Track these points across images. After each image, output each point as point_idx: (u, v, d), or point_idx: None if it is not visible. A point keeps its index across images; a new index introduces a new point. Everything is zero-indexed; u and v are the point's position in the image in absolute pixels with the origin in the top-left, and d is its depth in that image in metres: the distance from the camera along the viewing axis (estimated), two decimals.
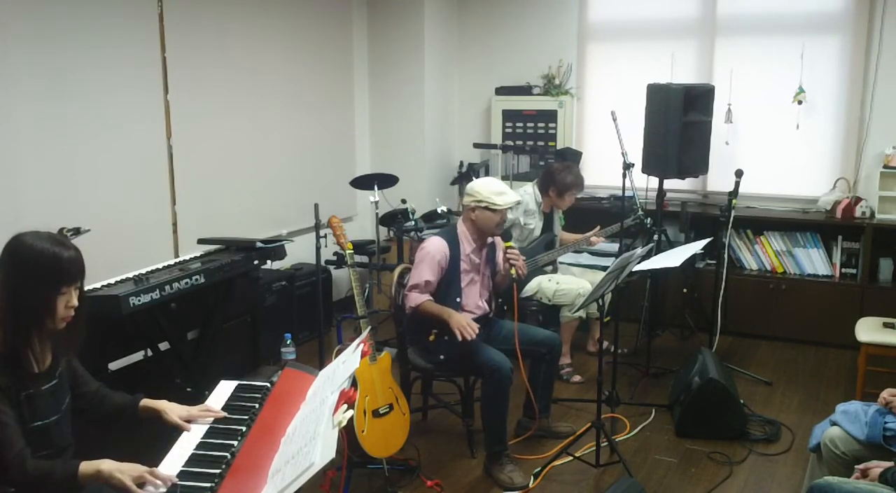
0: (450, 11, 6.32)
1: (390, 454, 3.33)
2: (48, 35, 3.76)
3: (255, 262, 3.71)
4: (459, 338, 3.35)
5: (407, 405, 3.48)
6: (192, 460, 2.15)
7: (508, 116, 6.06)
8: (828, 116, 5.34)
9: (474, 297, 3.68)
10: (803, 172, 5.45)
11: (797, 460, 3.63)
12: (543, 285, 4.55)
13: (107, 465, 2.02)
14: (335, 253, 5.13)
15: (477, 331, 3.38)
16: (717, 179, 5.51)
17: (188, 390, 3.44)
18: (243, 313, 4.37)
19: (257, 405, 2.42)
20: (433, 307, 3.49)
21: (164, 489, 2.00)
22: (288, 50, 5.34)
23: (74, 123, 3.92)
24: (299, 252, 5.06)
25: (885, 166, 5.05)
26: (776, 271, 5.40)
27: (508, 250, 3.52)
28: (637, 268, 3.85)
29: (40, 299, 2.06)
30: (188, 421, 2.34)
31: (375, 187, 5.05)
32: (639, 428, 3.99)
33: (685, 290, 5.16)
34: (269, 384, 2.53)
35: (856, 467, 2.53)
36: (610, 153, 4.97)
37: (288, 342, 3.77)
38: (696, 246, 4.15)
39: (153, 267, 3.40)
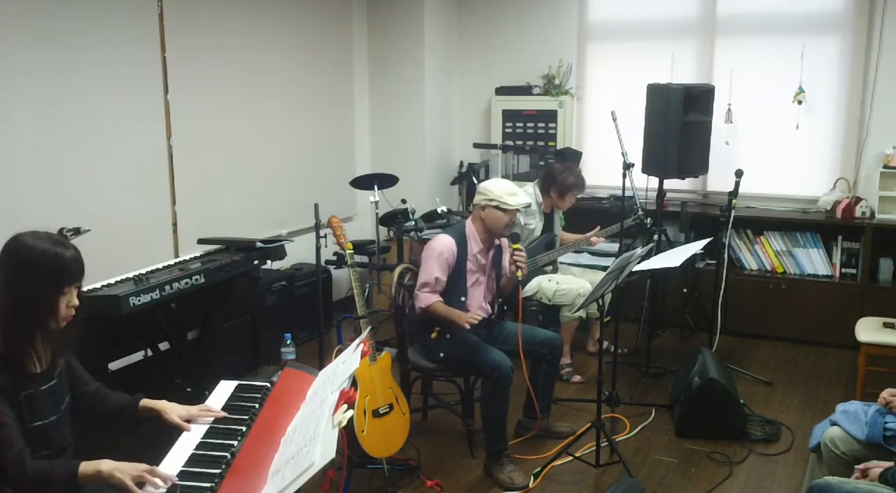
0: (450, 11, 6.32)
1: (390, 454, 3.33)
2: (48, 35, 3.76)
3: (255, 262, 3.71)
4: (468, 327, 3.37)
5: (407, 405, 3.48)
6: (192, 460, 2.15)
7: (508, 116, 6.06)
8: (828, 116, 5.34)
9: (478, 298, 3.68)
10: (803, 172, 5.45)
11: (797, 460, 3.63)
12: (543, 285, 4.55)
13: (106, 465, 2.02)
14: (335, 253, 5.13)
15: (477, 320, 3.39)
16: (717, 179, 5.51)
17: (188, 390, 3.44)
18: (243, 313, 4.37)
19: (257, 405, 2.42)
20: (442, 309, 3.49)
21: (165, 489, 2.00)
22: (288, 50, 5.34)
23: (74, 123, 3.92)
24: (299, 252, 5.06)
25: (885, 166, 5.05)
26: (776, 271, 5.40)
27: (516, 253, 3.52)
28: (637, 268, 3.85)
29: (43, 299, 2.06)
30: (188, 421, 2.34)
31: (375, 187, 5.05)
32: (639, 428, 3.99)
33: (685, 290, 5.16)
34: (269, 384, 2.53)
35: (856, 467, 2.53)
36: (610, 153, 4.97)
37: (288, 342, 3.77)
38: (696, 246, 4.15)
39: (153, 267, 3.40)
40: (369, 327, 3.41)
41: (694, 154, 4.93)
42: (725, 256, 4.81)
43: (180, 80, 4.47)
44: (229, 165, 4.91)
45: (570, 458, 3.62)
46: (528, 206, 3.66)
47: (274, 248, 3.83)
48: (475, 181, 5.68)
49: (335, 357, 2.79)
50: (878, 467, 2.45)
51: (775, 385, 4.55)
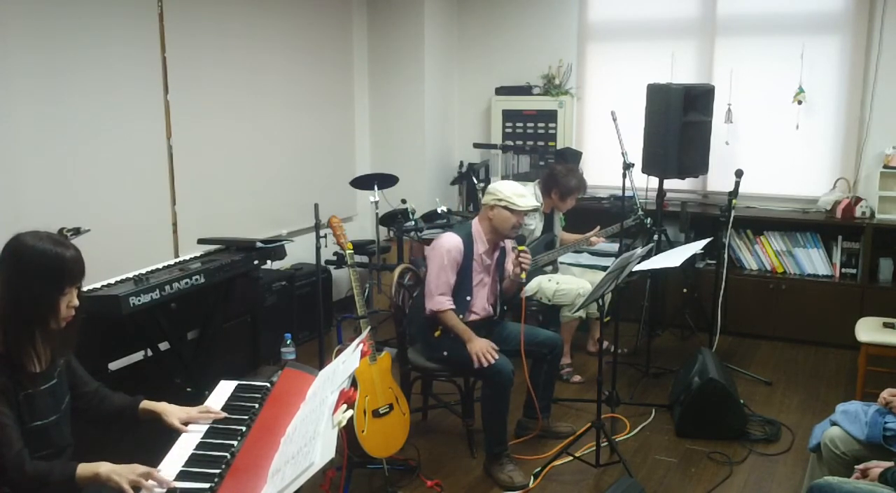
0: (450, 11, 6.32)
1: (390, 454, 3.33)
2: (48, 35, 3.76)
3: (255, 262, 3.71)
4: (476, 365, 3.38)
5: (407, 405, 3.48)
6: (192, 460, 2.15)
7: (508, 116, 6.06)
8: (828, 116, 5.34)
9: (482, 298, 3.68)
10: (803, 172, 5.45)
11: (797, 460, 3.63)
12: (543, 285, 4.55)
13: (104, 467, 2.02)
14: (335, 253, 5.13)
15: (496, 358, 3.39)
16: (717, 179, 5.51)
17: (188, 390, 3.44)
18: (243, 313, 4.37)
19: (257, 405, 2.42)
20: (454, 321, 3.49)
21: (163, 492, 2.00)
22: (288, 50, 5.34)
23: (74, 122, 3.92)
24: (299, 252, 5.06)
25: (885, 166, 5.05)
26: (776, 271, 5.40)
27: (521, 254, 3.51)
28: (637, 268, 3.85)
29: (43, 299, 2.06)
30: (188, 423, 2.34)
31: (375, 187, 5.05)
32: (639, 428, 3.99)
33: (685, 290, 5.16)
34: (269, 384, 2.53)
35: (856, 467, 2.53)
36: (610, 153, 4.97)
37: (288, 342, 3.77)
38: (696, 246, 4.15)
39: (153, 267, 3.39)
40: (369, 327, 3.41)
41: (694, 154, 4.93)
42: (725, 256, 4.81)
43: (180, 80, 4.47)
44: (229, 165, 4.91)
45: (570, 458, 3.62)
46: (537, 209, 3.66)
47: (274, 248, 3.83)
48: (475, 181, 5.68)
49: (335, 357, 2.79)
50: (878, 467, 2.45)
51: (775, 385, 4.55)
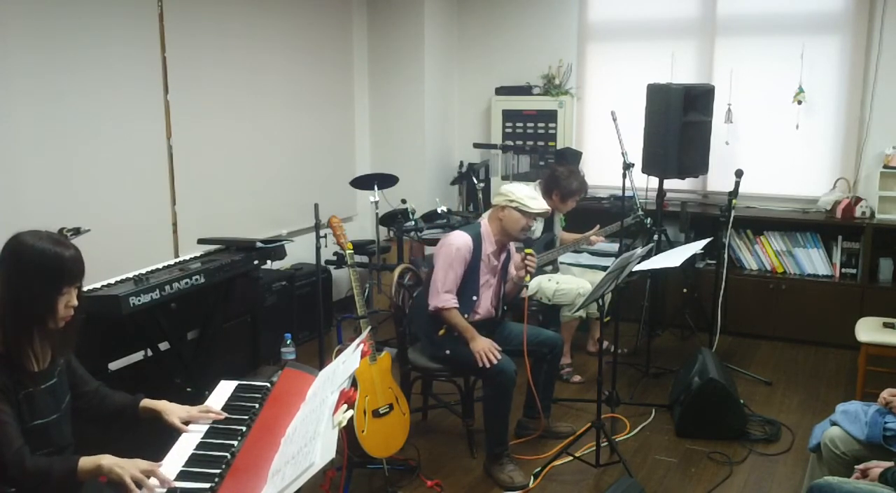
0: (450, 11, 6.32)
1: (390, 454, 3.33)
2: (48, 35, 3.76)
3: (255, 262, 3.71)
4: (480, 364, 3.38)
5: (407, 405, 3.48)
6: (192, 460, 2.15)
7: (508, 116, 6.06)
8: (828, 116, 5.34)
9: (486, 300, 3.68)
10: (803, 172, 5.45)
11: (797, 460, 3.63)
12: (543, 285, 4.55)
13: (107, 460, 2.02)
14: (335, 253, 5.13)
15: (498, 358, 3.40)
16: (717, 179, 5.51)
17: (188, 390, 3.44)
18: (243, 313, 4.37)
19: (257, 405, 2.42)
20: (458, 319, 3.49)
21: (163, 491, 2.00)
22: (288, 50, 5.34)
23: (74, 122, 3.92)
24: (299, 252, 5.06)
25: (885, 166, 5.05)
26: (776, 271, 5.40)
27: (528, 257, 3.51)
28: (637, 268, 3.85)
29: (41, 298, 2.06)
30: (188, 422, 2.33)
31: (375, 187, 5.05)
32: (639, 428, 3.99)
33: (685, 290, 5.16)
34: (269, 384, 2.53)
35: (856, 467, 2.53)
36: (610, 153, 4.97)
37: (288, 342, 3.77)
38: (696, 246, 4.15)
39: (153, 267, 3.40)
40: (369, 327, 3.40)
41: (694, 154, 4.93)
42: (725, 256, 4.81)
43: (180, 80, 4.47)
44: (229, 165, 4.91)
45: (570, 458, 3.62)
46: (547, 213, 3.67)
47: (274, 248, 3.83)
48: (475, 181, 5.68)
49: (335, 357, 2.79)
50: (878, 467, 2.45)
51: (775, 385, 4.55)
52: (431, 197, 5.81)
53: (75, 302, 2.11)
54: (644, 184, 5.24)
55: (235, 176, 4.97)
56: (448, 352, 3.56)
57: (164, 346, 3.54)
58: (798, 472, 3.49)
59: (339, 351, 3.00)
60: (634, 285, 5.14)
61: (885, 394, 2.76)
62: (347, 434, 3.06)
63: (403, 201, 5.16)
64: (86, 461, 2.03)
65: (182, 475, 2.07)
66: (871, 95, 5.18)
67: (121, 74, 4.13)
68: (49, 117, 3.80)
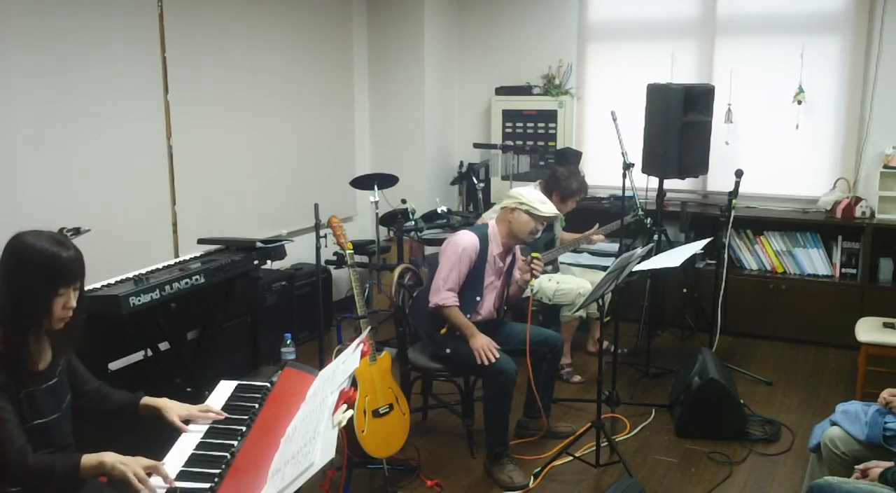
0: (450, 11, 6.32)
1: (390, 454, 3.33)
2: (48, 35, 3.76)
3: (255, 262, 3.71)
4: (479, 361, 3.38)
5: (407, 405, 3.48)
6: (192, 460, 2.15)
7: (508, 116, 6.06)
8: (828, 116, 5.34)
9: (489, 301, 3.68)
10: (803, 172, 5.45)
11: (797, 460, 3.63)
12: (543, 284, 4.55)
13: (110, 457, 2.02)
14: (335, 253, 5.13)
15: (497, 356, 3.40)
16: (717, 179, 5.51)
17: (188, 390, 3.44)
18: (243, 313, 4.37)
19: (257, 405, 2.42)
20: (458, 318, 3.49)
21: (164, 489, 2.00)
22: (288, 50, 5.34)
23: (74, 123, 3.92)
24: (299, 252, 5.06)
25: (885, 166, 5.05)
26: (776, 271, 5.40)
27: (535, 261, 3.51)
28: (637, 268, 3.85)
29: (37, 298, 2.04)
30: (188, 421, 2.33)
31: (375, 187, 5.05)
32: (639, 428, 3.99)
33: (685, 290, 5.16)
34: (269, 384, 2.53)
35: (856, 467, 2.53)
36: (610, 153, 4.97)
37: (288, 342, 3.77)
38: (696, 246, 4.15)
39: (153, 267, 3.40)
40: (369, 327, 3.41)
41: (694, 154, 4.93)
42: (725, 256, 4.81)
43: (180, 80, 4.47)
44: (229, 165, 4.91)
45: (570, 458, 3.62)
46: (558, 217, 3.67)
47: (274, 248, 3.83)
48: (475, 181, 5.68)
49: (335, 357, 2.80)
50: (878, 467, 2.45)
51: (775, 385, 4.55)
52: (431, 197, 5.81)
53: (73, 304, 2.10)
54: (644, 184, 5.24)
55: (235, 176, 4.97)
56: (448, 351, 3.56)
57: (164, 346, 3.54)
58: (798, 472, 3.49)
59: (339, 351, 3.00)
60: (634, 285, 5.14)
61: (885, 394, 2.76)
62: (347, 434, 3.06)
63: (403, 201, 5.16)
64: (88, 459, 2.03)
65: (182, 475, 2.06)
66: (871, 95, 5.18)
67: (121, 74, 4.13)
68: (49, 117, 3.80)
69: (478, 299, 3.61)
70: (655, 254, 4.42)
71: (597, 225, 4.71)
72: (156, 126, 4.38)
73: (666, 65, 5.65)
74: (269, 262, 3.84)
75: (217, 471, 2.06)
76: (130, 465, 2.00)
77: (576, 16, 5.95)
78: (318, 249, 4.16)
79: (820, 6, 5.25)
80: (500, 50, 6.24)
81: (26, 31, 3.67)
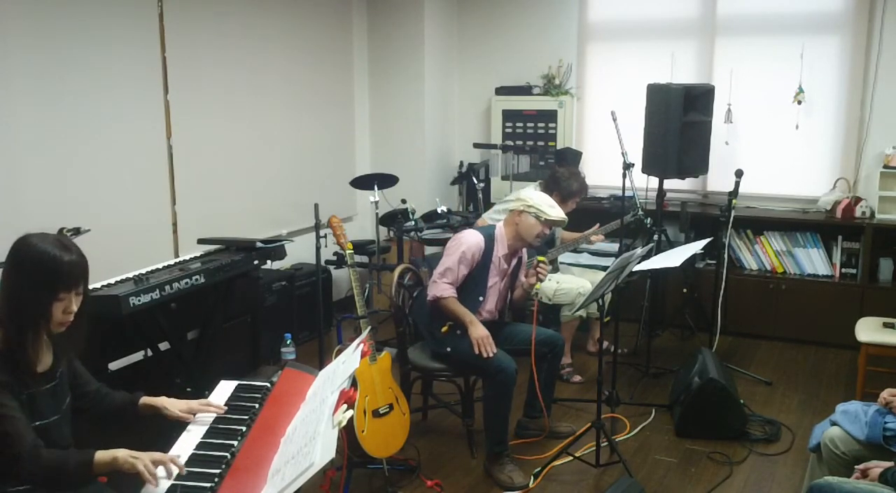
0: (450, 11, 6.32)
1: (390, 454, 3.33)
2: (48, 35, 3.76)
3: (255, 262, 3.71)
4: (476, 352, 3.38)
5: (407, 405, 3.48)
6: (192, 460, 2.15)
7: (508, 116, 6.06)
8: (828, 116, 5.34)
9: (492, 302, 3.68)
10: (803, 172, 5.45)
11: (797, 460, 3.63)
12: (544, 284, 4.53)
13: (122, 452, 2.03)
14: (335, 253, 5.13)
15: (494, 352, 3.40)
16: (717, 179, 5.51)
17: (188, 390, 3.44)
18: (243, 313, 4.37)
19: (257, 405, 2.42)
20: (456, 306, 3.49)
21: (170, 481, 2.01)
22: (288, 50, 5.34)
23: (74, 122, 3.92)
24: (299, 252, 5.06)
25: (885, 166, 5.05)
26: (776, 271, 5.40)
27: (540, 265, 3.52)
28: (637, 268, 3.85)
29: (36, 301, 2.03)
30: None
31: (375, 187, 5.05)
32: (639, 428, 3.99)
33: (685, 290, 5.16)
34: (269, 384, 2.53)
35: (856, 467, 2.53)
36: (610, 153, 4.97)
37: (288, 342, 3.78)
38: (696, 246, 4.15)
39: (153, 267, 3.40)
40: (369, 327, 3.41)
41: (694, 154, 4.93)
42: (725, 256, 4.81)
43: (180, 80, 4.47)
44: (229, 165, 4.91)
45: (570, 458, 3.62)
46: (565, 222, 3.68)
47: (274, 248, 3.83)
48: (475, 181, 5.68)
49: (335, 357, 2.80)
50: (878, 467, 2.45)
51: (775, 385, 4.55)
52: (431, 197, 5.81)
53: (74, 308, 2.08)
54: (644, 184, 5.24)
55: (235, 176, 4.97)
56: (449, 349, 3.56)
57: (164, 346, 3.54)
58: (798, 472, 3.49)
59: (339, 351, 3.00)
60: (634, 285, 5.13)
61: (885, 394, 2.76)
62: (347, 434, 3.06)
63: (403, 201, 5.16)
64: (101, 455, 2.03)
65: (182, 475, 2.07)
66: (871, 95, 5.18)
67: (121, 74, 4.13)
68: (49, 117, 3.80)
69: (480, 299, 3.61)
70: (655, 254, 4.42)
71: (597, 225, 4.71)
72: (156, 126, 4.38)
73: (666, 65, 5.65)
74: (269, 262, 3.84)
75: (217, 471, 2.06)
76: (142, 458, 2.01)
77: (576, 16, 5.95)
78: (318, 249, 4.16)
79: (820, 6, 5.25)
80: (500, 50, 6.23)
81: (26, 31, 3.67)
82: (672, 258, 3.97)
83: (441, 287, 3.51)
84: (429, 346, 3.68)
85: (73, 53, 3.88)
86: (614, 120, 4.38)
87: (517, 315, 4.22)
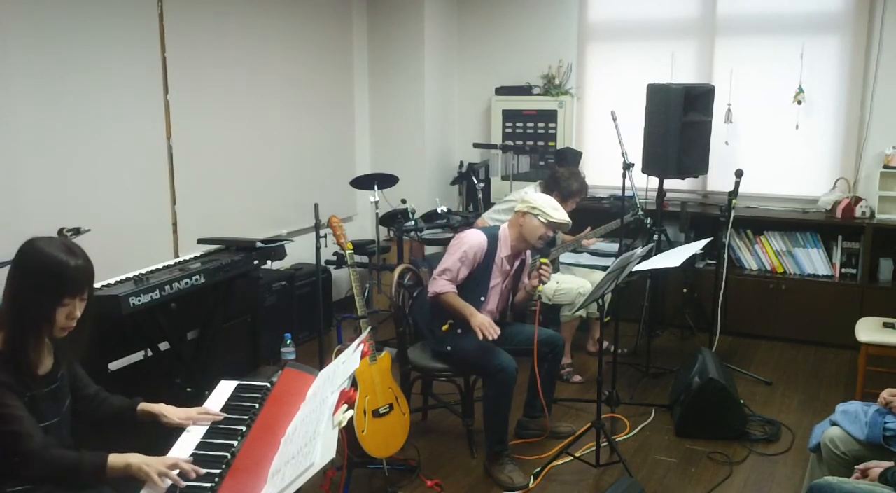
0: (450, 11, 6.32)
1: (390, 454, 3.33)
2: (48, 35, 3.76)
3: (255, 262, 3.71)
4: (480, 337, 3.35)
5: (407, 405, 3.48)
6: (193, 459, 2.14)
7: (508, 116, 6.06)
8: (828, 116, 5.34)
9: (493, 302, 3.68)
10: (803, 172, 5.45)
11: (797, 460, 3.63)
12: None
13: (136, 458, 2.03)
14: (335, 253, 5.13)
15: (498, 333, 3.38)
16: (717, 179, 5.51)
17: (188, 390, 3.44)
18: (243, 313, 4.37)
19: (257, 405, 2.42)
20: (456, 301, 3.49)
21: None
22: (288, 50, 5.34)
23: (74, 122, 3.92)
24: (299, 252, 5.06)
25: (885, 166, 5.05)
26: (776, 271, 5.40)
27: (543, 267, 3.51)
28: (637, 268, 3.85)
29: (40, 305, 2.03)
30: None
31: (375, 187, 5.05)
32: (639, 428, 3.99)
33: (685, 290, 5.16)
34: (269, 384, 2.53)
35: (856, 467, 2.53)
36: (610, 153, 4.97)
37: (288, 342, 3.78)
38: (696, 246, 4.15)
39: (153, 267, 3.40)
40: (369, 327, 3.41)
41: (694, 154, 4.93)
42: (725, 256, 4.81)
43: (180, 80, 4.47)
44: (229, 165, 4.91)
45: (570, 458, 3.62)
46: (570, 225, 3.69)
47: (274, 248, 3.83)
48: (475, 181, 5.68)
49: (335, 357, 2.80)
50: (878, 467, 2.45)
51: (775, 385, 4.55)
52: (431, 197, 5.81)
53: (78, 314, 2.08)
54: (644, 184, 5.24)
55: (235, 176, 4.97)
56: (449, 348, 3.56)
57: (164, 346, 3.54)
58: (798, 472, 3.49)
59: (339, 351, 3.00)
60: (634, 285, 5.13)
61: (885, 394, 2.76)
62: (347, 434, 3.06)
63: (403, 201, 5.16)
64: (115, 458, 2.03)
65: (182, 475, 2.06)
66: (871, 95, 5.18)
67: (121, 74, 4.13)
68: (49, 117, 3.80)
69: (482, 299, 3.61)
70: (655, 254, 4.42)
71: (588, 228, 4.69)
72: (156, 126, 4.38)
73: (666, 65, 5.65)
74: (269, 262, 3.84)
75: (217, 471, 2.06)
76: (154, 465, 2.01)
77: (576, 16, 5.95)
78: (318, 249, 4.16)
79: (820, 6, 5.25)
80: (500, 50, 6.23)
81: (26, 31, 3.67)
82: (672, 258, 3.97)
83: (440, 284, 3.51)
84: (429, 345, 3.68)
85: (73, 53, 3.88)
86: (614, 120, 4.38)
87: (517, 317, 4.22)
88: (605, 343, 4.28)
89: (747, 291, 5.32)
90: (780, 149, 5.47)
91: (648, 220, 4.65)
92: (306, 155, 5.59)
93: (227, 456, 2.13)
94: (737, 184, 4.69)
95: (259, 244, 3.78)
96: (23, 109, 3.69)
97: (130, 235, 4.17)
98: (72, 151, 3.92)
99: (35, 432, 2.01)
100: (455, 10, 6.37)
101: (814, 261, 5.30)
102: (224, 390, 2.55)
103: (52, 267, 2.03)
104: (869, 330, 4.10)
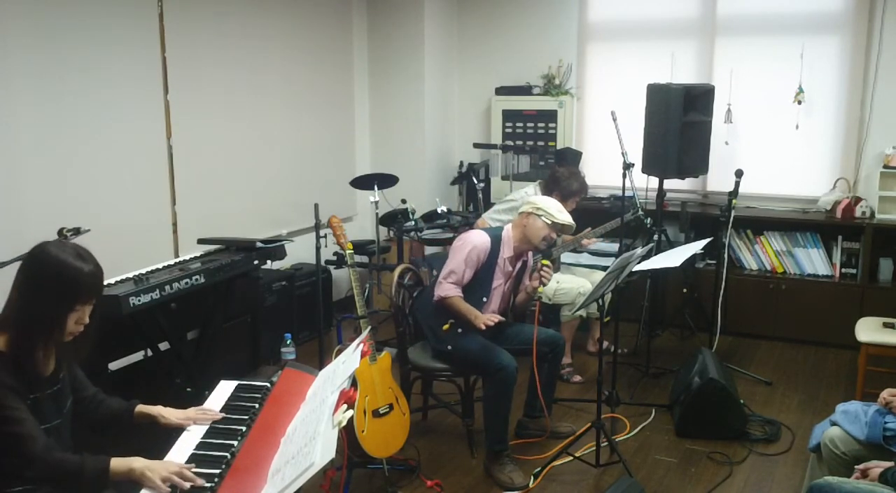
0: (450, 11, 6.32)
1: (390, 454, 3.33)
2: (48, 35, 3.76)
3: (255, 262, 3.71)
4: (483, 327, 3.41)
5: (407, 405, 3.48)
6: (193, 460, 2.15)
7: (508, 116, 6.06)
8: (828, 116, 5.34)
9: (495, 303, 3.68)
10: (803, 172, 5.45)
11: (797, 460, 3.63)
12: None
13: (139, 463, 2.03)
14: (335, 253, 5.13)
15: (499, 318, 3.47)
16: (717, 179, 5.51)
17: (188, 390, 3.44)
18: (243, 313, 4.37)
19: (257, 405, 2.42)
20: (461, 305, 3.51)
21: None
22: (288, 50, 5.34)
23: (74, 123, 3.92)
24: (299, 252, 5.06)
25: (885, 166, 5.05)
26: (776, 271, 5.40)
27: (544, 268, 3.52)
28: (637, 268, 3.85)
29: (52, 311, 2.04)
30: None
31: (375, 187, 5.05)
32: (639, 428, 3.99)
33: (685, 290, 5.16)
34: (269, 384, 2.53)
35: (856, 467, 2.53)
36: (610, 153, 4.97)
37: (288, 342, 3.77)
38: (696, 246, 4.15)
39: (153, 267, 3.40)
40: (369, 327, 3.41)
41: (694, 154, 4.93)
42: (725, 256, 4.81)
43: (180, 80, 4.46)
44: (229, 165, 4.91)
45: (570, 458, 3.62)
46: (573, 227, 3.70)
47: (274, 248, 3.83)
48: (475, 181, 5.68)
49: (335, 357, 2.80)
50: (878, 467, 2.45)
51: (775, 385, 4.55)
52: (431, 197, 5.81)
53: (87, 320, 2.09)
54: (644, 184, 5.24)
55: (235, 176, 4.97)
56: (450, 348, 3.56)
57: (164, 346, 3.54)
58: (798, 472, 3.49)
59: (339, 351, 3.00)
60: (634, 285, 5.13)
61: (885, 394, 2.76)
62: (347, 434, 3.06)
63: (403, 201, 5.16)
64: (118, 462, 2.03)
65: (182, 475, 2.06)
66: (871, 95, 5.18)
67: (121, 74, 4.13)
68: (49, 117, 3.80)
69: (484, 300, 3.61)
70: (655, 254, 4.42)
71: (588, 229, 4.69)
72: (156, 126, 4.38)
73: (666, 65, 5.65)
74: (269, 262, 3.84)
75: (217, 471, 2.06)
76: (158, 470, 2.00)
77: (576, 16, 5.95)
78: (318, 249, 4.16)
79: (820, 6, 5.25)
80: (500, 50, 6.23)
81: (26, 31, 3.67)
82: (672, 258, 3.97)
83: (445, 287, 3.52)
84: (430, 344, 3.68)
85: (73, 53, 3.88)
86: (614, 120, 4.38)
87: (518, 318, 4.22)
88: (606, 343, 4.28)
89: (747, 291, 5.32)
90: (780, 149, 5.47)
91: (648, 220, 4.65)
92: (306, 155, 5.59)
93: (227, 456, 2.13)
94: (737, 184, 4.69)
95: (259, 244, 3.78)
96: (23, 109, 3.69)
97: (130, 235, 4.17)
98: (72, 151, 3.92)
99: (38, 434, 2.01)
100: (455, 10, 6.37)
101: (814, 261, 5.30)
102: (224, 390, 2.55)
103: (67, 274, 2.03)
104: (869, 330, 4.10)
